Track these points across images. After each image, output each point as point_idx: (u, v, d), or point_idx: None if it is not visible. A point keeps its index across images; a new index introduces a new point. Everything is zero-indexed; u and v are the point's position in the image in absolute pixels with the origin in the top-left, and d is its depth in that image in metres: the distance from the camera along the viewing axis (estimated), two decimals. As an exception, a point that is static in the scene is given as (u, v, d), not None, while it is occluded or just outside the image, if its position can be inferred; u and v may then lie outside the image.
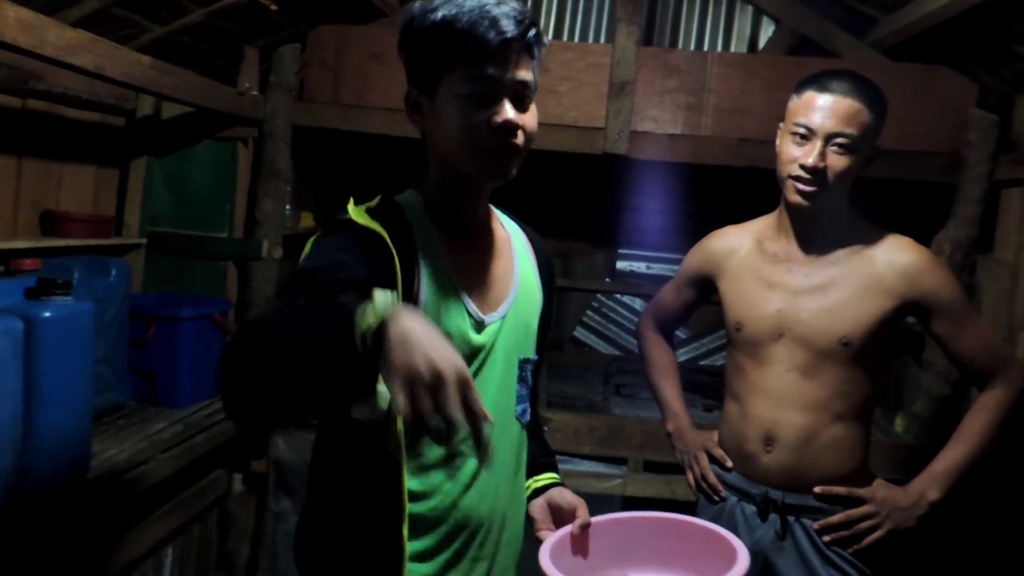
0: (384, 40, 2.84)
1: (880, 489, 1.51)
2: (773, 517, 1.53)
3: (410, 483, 1.04)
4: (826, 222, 1.51)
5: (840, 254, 1.51)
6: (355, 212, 1.05)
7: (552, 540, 1.09)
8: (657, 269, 3.70)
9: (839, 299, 1.48)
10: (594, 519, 1.15)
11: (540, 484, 1.26)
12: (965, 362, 1.50)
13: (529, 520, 1.22)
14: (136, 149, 2.79)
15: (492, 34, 0.99)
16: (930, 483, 1.48)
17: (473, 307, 1.09)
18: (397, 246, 1.02)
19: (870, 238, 1.52)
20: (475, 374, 1.08)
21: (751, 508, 1.56)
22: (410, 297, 1.02)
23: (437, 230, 1.10)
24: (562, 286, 3.65)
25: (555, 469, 1.31)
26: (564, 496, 1.21)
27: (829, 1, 3.04)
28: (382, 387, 0.78)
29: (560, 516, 1.19)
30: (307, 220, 3.19)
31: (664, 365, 1.83)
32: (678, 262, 3.63)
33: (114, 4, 2.24)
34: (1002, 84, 2.74)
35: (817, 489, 1.50)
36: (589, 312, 3.76)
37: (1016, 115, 2.62)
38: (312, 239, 1.06)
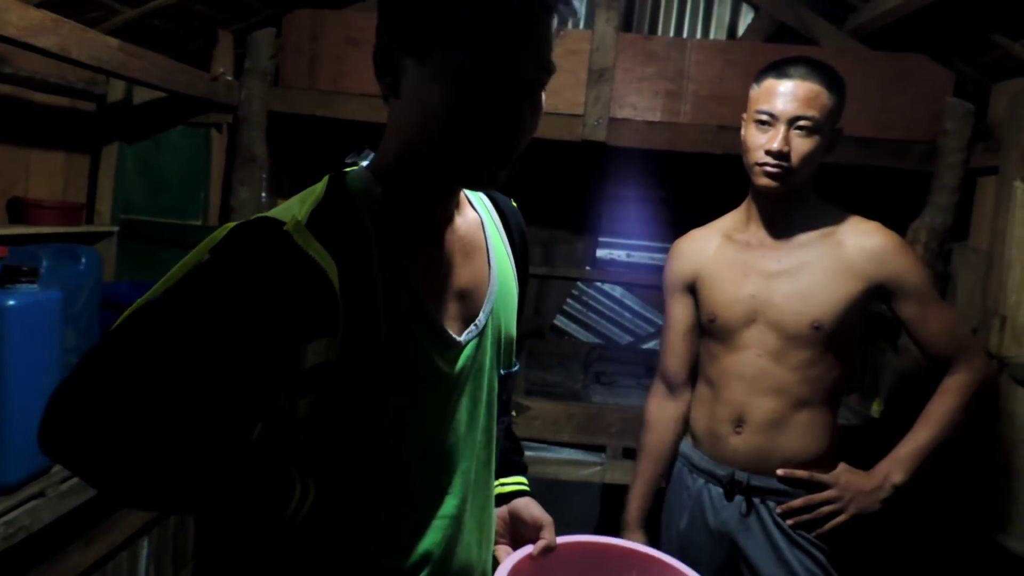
0: (361, 24, 2.80)
1: (844, 474, 1.52)
2: (739, 498, 1.55)
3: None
4: (794, 206, 1.54)
5: (810, 237, 1.53)
6: (295, 229, 0.77)
7: (508, 565, 0.95)
8: (637, 257, 3.70)
9: (811, 282, 1.50)
10: (560, 539, 1.02)
11: (507, 490, 1.10)
12: (928, 345, 1.53)
13: None
14: (107, 135, 2.74)
15: None
16: (894, 466, 1.51)
17: (443, 328, 0.88)
18: (347, 274, 0.79)
19: (838, 221, 1.54)
20: (447, 402, 0.90)
21: (718, 490, 1.58)
22: (362, 331, 0.80)
23: (399, 229, 0.86)
24: (542, 274, 3.64)
25: (524, 471, 1.15)
26: (530, 509, 1.06)
27: (808, -12, 3.04)
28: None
29: (521, 531, 1.05)
30: (284, 208, 3.15)
31: (649, 452, 1.75)
32: (659, 250, 3.69)
33: (81, -15, 2.19)
34: (978, 73, 2.75)
35: (779, 472, 1.52)
36: (569, 300, 3.76)
37: (992, 104, 2.64)
38: (226, 244, 0.77)
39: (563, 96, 2.72)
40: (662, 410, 1.75)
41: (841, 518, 1.50)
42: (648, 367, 3.31)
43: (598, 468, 2.57)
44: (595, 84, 2.73)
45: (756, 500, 1.54)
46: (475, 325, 0.93)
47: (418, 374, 0.87)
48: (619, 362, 3.39)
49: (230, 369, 0.74)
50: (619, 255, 3.71)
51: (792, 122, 1.45)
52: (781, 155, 1.44)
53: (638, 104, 2.79)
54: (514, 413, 2.57)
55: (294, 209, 0.82)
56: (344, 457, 0.84)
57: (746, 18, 3.25)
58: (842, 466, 1.54)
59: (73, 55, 1.84)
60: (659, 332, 3.71)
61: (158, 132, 2.80)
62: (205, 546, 0.94)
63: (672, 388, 1.75)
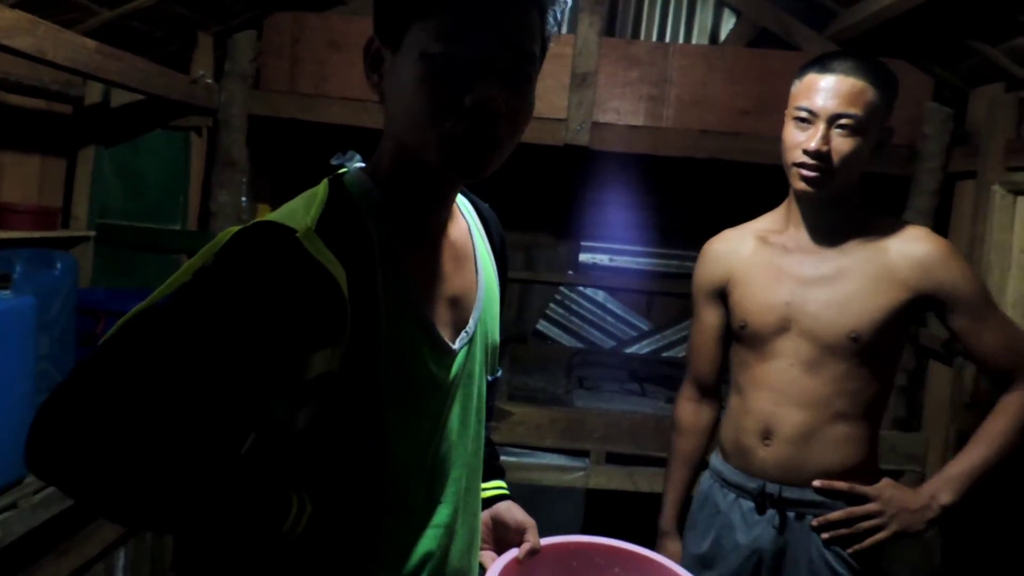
0: (343, 28, 2.78)
1: (888, 488, 1.42)
2: (771, 513, 1.46)
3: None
4: (836, 210, 1.43)
5: (852, 244, 1.43)
6: (307, 236, 0.75)
7: (496, 570, 0.96)
8: (620, 261, 3.70)
9: (849, 291, 1.40)
10: (544, 541, 1.03)
11: (487, 495, 1.09)
12: (985, 360, 1.41)
13: None
14: (84, 138, 2.70)
15: None
16: (943, 486, 1.39)
17: (440, 336, 0.87)
18: (354, 281, 0.77)
19: (884, 227, 1.44)
20: (441, 411, 0.89)
21: (749, 504, 1.48)
22: (365, 339, 0.79)
23: (399, 234, 0.85)
24: (525, 279, 3.63)
25: (503, 475, 1.15)
26: (513, 513, 1.06)
27: (789, -6, 3.06)
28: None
29: (505, 535, 1.06)
30: (264, 212, 3.12)
31: (683, 457, 1.67)
32: (641, 254, 3.68)
33: (57, -14, 2.16)
34: (956, 78, 2.78)
35: (816, 482, 1.42)
36: (552, 305, 3.75)
37: (970, 108, 2.67)
38: (233, 249, 0.74)
39: (546, 100, 2.72)
40: (695, 415, 1.66)
41: (881, 535, 1.39)
42: (631, 371, 3.31)
43: (581, 473, 2.56)
44: (578, 88, 2.72)
45: (790, 515, 1.46)
46: (466, 332, 0.92)
47: (416, 383, 0.85)
48: (602, 367, 3.39)
49: (235, 382, 0.71)
50: (602, 259, 3.71)
51: (832, 120, 1.34)
52: (820, 155, 1.34)
53: (621, 108, 2.79)
54: (494, 423, 2.56)
55: (300, 214, 0.78)
56: (342, 469, 0.83)
57: (728, 23, 3.27)
58: (886, 480, 1.44)
59: (49, 56, 1.81)
60: (642, 336, 3.72)
61: (136, 135, 2.77)
62: (184, 559, 0.91)
63: (704, 392, 1.66)
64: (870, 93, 1.34)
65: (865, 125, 1.34)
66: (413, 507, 0.89)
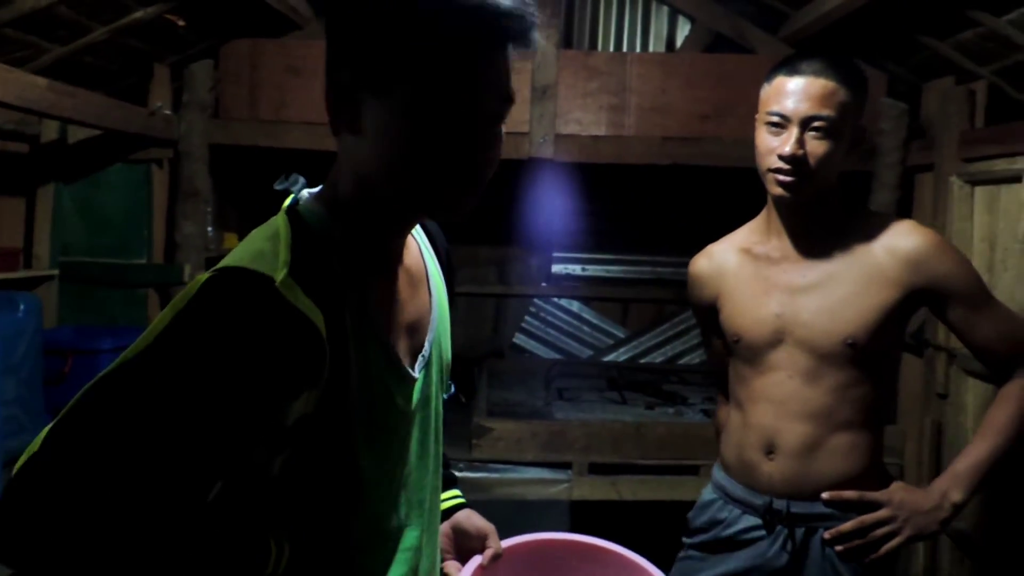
0: (300, 53, 2.78)
1: (899, 492, 1.37)
2: (780, 529, 1.42)
3: None
4: (818, 214, 1.40)
5: (838, 247, 1.40)
6: (284, 284, 0.73)
7: None
8: (592, 271, 3.71)
9: (840, 296, 1.37)
10: (504, 543, 1.06)
11: (445, 505, 1.09)
12: (983, 351, 1.37)
13: None
14: (43, 176, 2.66)
15: (505, 20, 0.74)
16: (952, 483, 1.35)
17: (403, 367, 0.87)
18: (328, 322, 0.76)
19: (869, 226, 1.40)
20: (405, 438, 0.90)
21: (756, 520, 1.44)
22: (338, 379, 0.78)
23: (360, 267, 0.83)
24: (499, 293, 3.63)
25: (456, 483, 1.16)
26: (472, 521, 1.08)
27: (742, -1, 3.11)
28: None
29: (467, 543, 1.07)
30: (231, 241, 3.09)
31: None
32: (613, 262, 3.70)
33: (5, 25, 2.13)
34: (909, 73, 2.84)
35: (825, 495, 1.37)
36: (527, 317, 3.75)
37: (924, 102, 2.72)
38: (208, 303, 0.71)
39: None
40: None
41: (896, 541, 1.34)
42: (609, 379, 3.31)
43: (565, 485, 2.55)
44: (539, 101, 2.74)
45: (799, 531, 1.40)
46: (423, 356, 0.92)
47: (384, 414, 0.85)
48: (581, 377, 3.39)
49: (221, 443, 0.69)
50: (574, 269, 3.72)
51: (805, 123, 1.31)
52: (795, 159, 1.31)
53: (583, 119, 2.81)
54: (475, 441, 2.55)
55: (269, 257, 0.76)
56: (317, 507, 0.83)
57: (683, 30, 3.31)
58: (896, 484, 1.40)
59: (-1, 96, 1.78)
60: (618, 344, 3.73)
61: (96, 171, 2.74)
62: None
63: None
64: (841, 93, 1.31)
65: (839, 126, 1.32)
66: (385, 535, 0.90)
